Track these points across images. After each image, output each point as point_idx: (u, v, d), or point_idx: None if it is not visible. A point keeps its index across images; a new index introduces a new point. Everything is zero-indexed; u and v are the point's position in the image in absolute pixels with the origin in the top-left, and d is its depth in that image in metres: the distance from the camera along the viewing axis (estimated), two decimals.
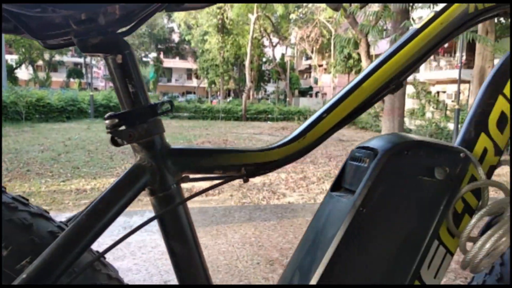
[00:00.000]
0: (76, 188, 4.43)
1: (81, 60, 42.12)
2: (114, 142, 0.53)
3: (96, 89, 40.98)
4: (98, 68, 43.04)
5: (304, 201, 4.25)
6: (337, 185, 0.61)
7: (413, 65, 0.61)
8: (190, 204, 2.59)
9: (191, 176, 0.58)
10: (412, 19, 7.11)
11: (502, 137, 0.60)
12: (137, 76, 0.52)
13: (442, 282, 0.65)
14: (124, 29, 0.52)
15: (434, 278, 0.56)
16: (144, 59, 37.38)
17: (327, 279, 0.51)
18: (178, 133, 11.14)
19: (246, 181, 0.58)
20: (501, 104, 0.61)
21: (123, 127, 0.52)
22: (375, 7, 8.57)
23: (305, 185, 5.02)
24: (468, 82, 15.61)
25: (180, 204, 0.55)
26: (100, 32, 0.49)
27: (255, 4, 18.50)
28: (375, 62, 0.62)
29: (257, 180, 5.21)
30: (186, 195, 0.58)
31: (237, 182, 4.99)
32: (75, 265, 0.48)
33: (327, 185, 5.01)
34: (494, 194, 0.96)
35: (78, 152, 6.99)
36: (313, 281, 0.51)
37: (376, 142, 0.58)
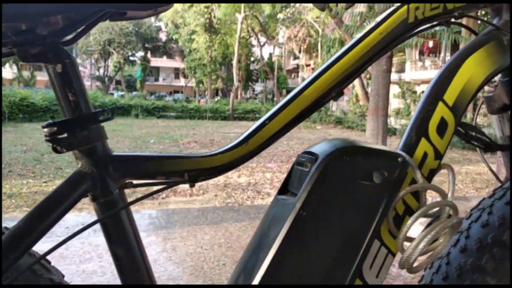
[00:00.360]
0: None
1: None
2: (55, 150, 0.54)
3: None
4: (84, 67, 42.53)
5: None
6: (284, 189, 0.63)
7: (353, 74, 0.63)
8: (171, 205, 2.60)
9: (134, 182, 0.59)
10: None
11: (442, 142, 0.63)
12: (78, 85, 0.53)
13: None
14: (68, 37, 0.53)
15: (376, 277, 0.58)
16: (131, 58, 37.06)
17: (269, 280, 0.53)
18: (164, 133, 11.09)
19: (191, 186, 0.60)
20: (441, 110, 0.63)
21: (62, 135, 0.53)
22: (361, 8, 8.66)
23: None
24: None
25: (122, 209, 0.56)
26: (40, 42, 0.50)
27: (242, 3, 18.49)
28: (317, 70, 0.64)
29: (242, 179, 5.23)
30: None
31: (222, 182, 5.01)
32: (14, 269, 0.49)
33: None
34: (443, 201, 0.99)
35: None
36: (256, 281, 0.53)
37: (319, 147, 0.60)
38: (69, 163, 5.94)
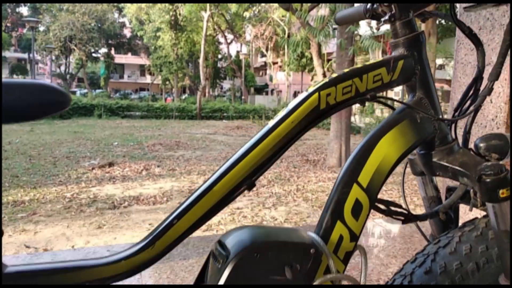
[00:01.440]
0: (13, 200, 4.20)
1: (25, 55, 39.73)
2: None
3: None
4: (45, 64, 40.82)
5: (252, 206, 4.30)
6: (201, 277, 0.63)
7: (265, 165, 0.62)
8: (133, 215, 2.40)
9: None
10: (358, 24, 7.35)
11: (357, 224, 0.63)
12: None
13: None
14: None
15: None
16: (94, 55, 35.88)
17: None
18: (129, 134, 10.83)
19: None
20: (355, 193, 0.63)
21: None
22: (323, 10, 8.76)
23: (255, 189, 5.07)
24: None
25: None
26: None
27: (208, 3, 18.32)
28: (227, 162, 0.62)
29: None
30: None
31: (187, 188, 4.93)
32: None
33: (277, 189, 5.10)
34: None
35: (19, 158, 6.61)
36: None
37: (232, 240, 0.59)
38: (26, 170, 5.69)
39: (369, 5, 0.73)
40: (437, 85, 16.25)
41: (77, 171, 5.75)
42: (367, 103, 0.69)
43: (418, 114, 0.69)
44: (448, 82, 17.41)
